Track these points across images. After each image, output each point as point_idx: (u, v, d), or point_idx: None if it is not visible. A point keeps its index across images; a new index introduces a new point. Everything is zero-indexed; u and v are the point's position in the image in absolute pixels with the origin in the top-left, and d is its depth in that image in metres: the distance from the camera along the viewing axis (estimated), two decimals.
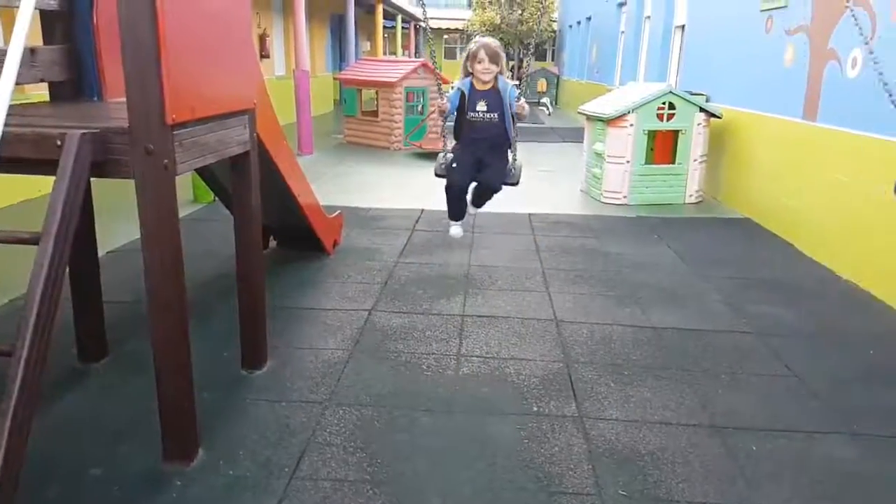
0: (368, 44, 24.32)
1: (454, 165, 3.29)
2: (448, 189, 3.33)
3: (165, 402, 2.49)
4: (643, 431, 2.88)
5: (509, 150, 3.35)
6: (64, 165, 2.08)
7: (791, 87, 6.07)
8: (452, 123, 3.40)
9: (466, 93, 3.15)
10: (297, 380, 3.25)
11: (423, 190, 7.42)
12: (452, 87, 3.27)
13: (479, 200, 3.58)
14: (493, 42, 3.21)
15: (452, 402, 3.09)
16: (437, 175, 3.46)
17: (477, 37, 3.34)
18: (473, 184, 3.56)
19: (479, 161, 3.25)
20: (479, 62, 3.10)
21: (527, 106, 3.20)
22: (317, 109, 13.46)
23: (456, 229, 3.79)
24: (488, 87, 3.13)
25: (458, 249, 5.44)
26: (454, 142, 3.48)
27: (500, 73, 3.22)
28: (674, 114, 7.16)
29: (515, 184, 3.39)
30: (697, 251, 5.62)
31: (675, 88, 7.34)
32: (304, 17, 10.44)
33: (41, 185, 5.88)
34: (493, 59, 3.11)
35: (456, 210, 3.57)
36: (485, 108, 3.12)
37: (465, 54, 3.22)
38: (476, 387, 3.24)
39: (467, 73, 3.32)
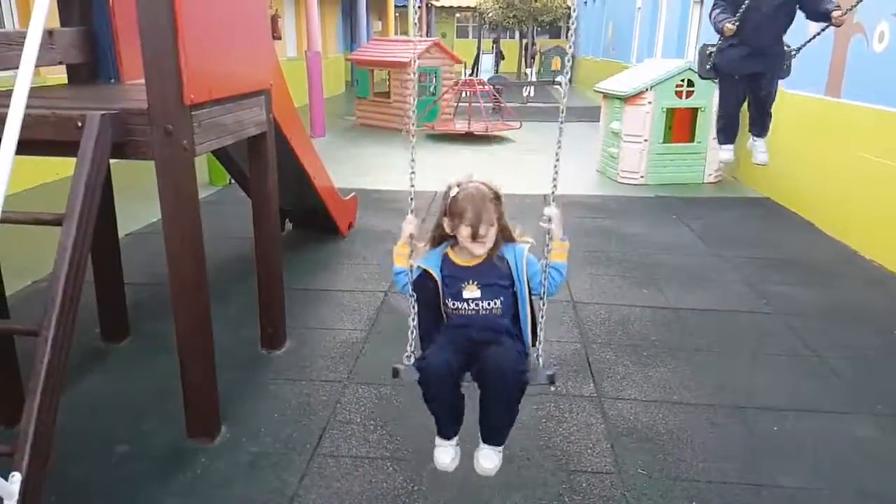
0: (380, 23, 24.11)
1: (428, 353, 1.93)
2: (423, 383, 1.89)
3: (188, 380, 2.53)
4: (662, 411, 2.87)
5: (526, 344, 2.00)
6: (85, 147, 2.09)
7: (814, 62, 5.91)
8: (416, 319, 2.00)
9: (437, 275, 1.89)
10: (317, 359, 3.27)
11: (436, 172, 7.37)
12: (412, 266, 1.97)
13: (488, 418, 1.98)
14: (482, 187, 1.89)
15: (470, 382, 3.09)
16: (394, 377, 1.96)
17: (453, 179, 1.95)
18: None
19: (473, 342, 1.91)
20: (467, 224, 1.81)
21: (568, 245, 1.99)
22: (328, 91, 13.40)
23: (443, 456, 1.99)
24: (479, 259, 1.87)
25: None
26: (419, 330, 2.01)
27: (504, 230, 1.91)
28: (693, 91, 7.04)
29: (551, 382, 2.00)
30: (717, 231, 5.56)
31: (693, 65, 7.20)
32: None
33: (59, 169, 5.93)
34: (489, 219, 1.82)
35: (445, 416, 1.99)
36: (477, 295, 1.86)
37: (442, 200, 1.94)
38: None
39: (440, 238, 1.97)
